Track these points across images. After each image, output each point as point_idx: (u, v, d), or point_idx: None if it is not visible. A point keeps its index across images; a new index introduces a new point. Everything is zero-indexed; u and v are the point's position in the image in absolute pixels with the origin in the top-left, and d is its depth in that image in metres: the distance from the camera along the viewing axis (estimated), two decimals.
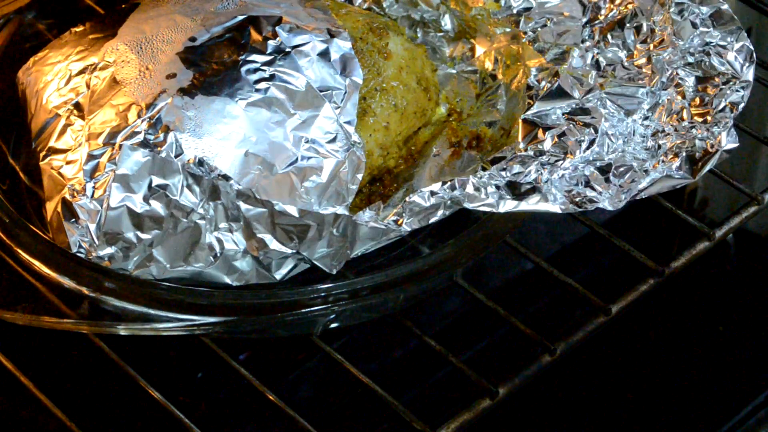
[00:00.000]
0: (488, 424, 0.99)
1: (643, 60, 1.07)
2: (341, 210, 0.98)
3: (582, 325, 1.01)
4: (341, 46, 1.04)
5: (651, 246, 1.07)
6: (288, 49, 1.03)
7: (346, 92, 1.03)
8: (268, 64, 1.02)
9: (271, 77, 1.01)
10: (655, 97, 1.04)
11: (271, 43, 1.03)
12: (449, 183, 0.97)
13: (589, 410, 1.19)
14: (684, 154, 1.01)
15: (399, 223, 0.97)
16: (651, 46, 1.08)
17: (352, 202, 1.01)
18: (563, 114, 1.04)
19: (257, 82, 1.01)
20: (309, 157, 1.00)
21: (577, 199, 0.98)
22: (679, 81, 1.05)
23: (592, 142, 1.01)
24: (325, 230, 0.97)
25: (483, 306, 1.02)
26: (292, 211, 0.96)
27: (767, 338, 1.25)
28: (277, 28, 1.04)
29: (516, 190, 0.98)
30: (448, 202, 0.98)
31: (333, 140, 1.01)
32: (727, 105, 1.04)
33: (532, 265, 1.05)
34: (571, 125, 1.03)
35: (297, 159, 1.00)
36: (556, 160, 1.00)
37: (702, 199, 1.46)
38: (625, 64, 1.08)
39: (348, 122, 1.02)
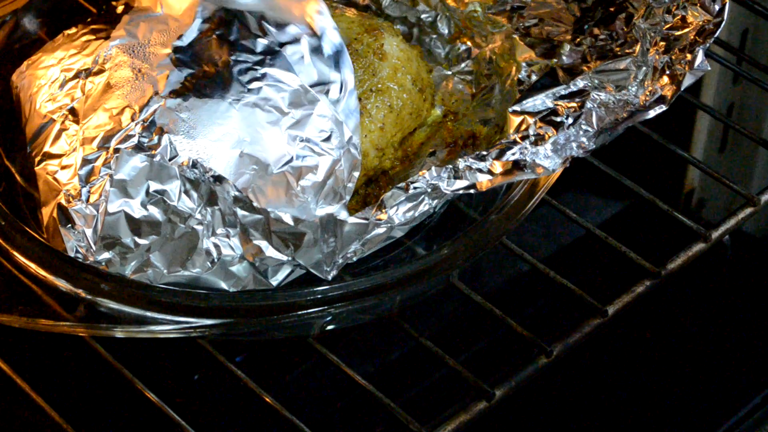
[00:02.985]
0: (484, 426, 0.99)
1: (628, 41, 1.07)
2: (338, 209, 0.98)
3: (578, 327, 1.01)
4: (332, 39, 1.04)
5: (647, 247, 1.07)
6: (277, 48, 1.02)
7: (341, 87, 1.02)
8: (260, 63, 1.02)
9: (263, 77, 1.01)
10: (642, 66, 1.04)
11: (261, 41, 1.03)
12: (428, 171, 0.97)
13: (585, 412, 1.19)
14: (659, 90, 1.01)
15: (383, 212, 0.97)
16: (634, 29, 1.08)
17: (349, 202, 1.01)
18: (552, 101, 1.04)
19: (249, 82, 1.01)
20: (304, 156, 1.00)
21: (560, 154, 0.98)
22: (658, 41, 1.05)
23: (578, 117, 1.01)
24: (320, 237, 0.96)
25: (479, 308, 1.02)
26: (288, 219, 0.96)
27: (763, 339, 1.26)
28: (263, 23, 1.03)
29: (495, 168, 0.98)
30: (429, 189, 0.97)
31: (328, 138, 1.01)
32: (698, 40, 1.04)
33: (528, 267, 1.05)
34: (559, 107, 1.03)
35: (292, 158, 0.99)
36: (539, 138, 1.00)
37: (698, 200, 1.47)
38: (615, 52, 1.08)
39: (343, 119, 1.01)
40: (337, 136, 1.01)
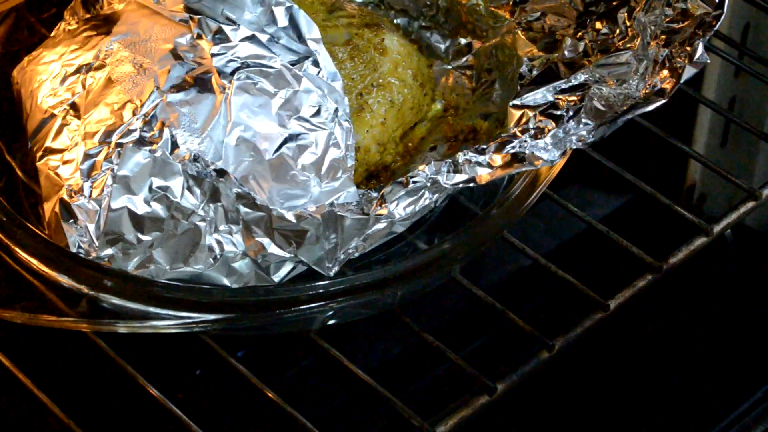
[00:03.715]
0: (486, 420, 0.99)
1: (630, 35, 1.07)
2: (344, 182, 0.98)
3: (580, 321, 1.01)
4: (282, 4, 1.03)
5: (649, 242, 1.07)
6: (250, 33, 1.02)
7: (314, 59, 1.02)
8: (240, 52, 1.01)
9: (246, 65, 1.01)
10: (643, 60, 1.04)
11: (232, 31, 1.02)
12: (428, 165, 0.97)
13: (587, 406, 1.20)
14: (659, 83, 1.01)
15: (383, 207, 0.97)
16: (635, 23, 1.08)
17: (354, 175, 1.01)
18: (553, 95, 1.04)
19: (234, 72, 1.00)
20: (299, 134, 1.00)
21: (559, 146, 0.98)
22: (659, 34, 1.05)
23: (578, 111, 1.01)
24: (322, 234, 0.96)
25: (481, 302, 1.02)
26: (290, 216, 0.96)
27: (764, 333, 1.26)
28: (225, 11, 1.03)
29: (494, 162, 0.98)
30: (428, 183, 0.97)
31: (317, 113, 1.01)
32: (698, 33, 1.03)
33: (530, 261, 1.05)
34: (559, 101, 1.03)
35: (287, 138, 0.99)
36: (539, 132, 1.00)
37: (700, 194, 1.47)
38: (616, 46, 1.07)
39: (327, 91, 1.01)
40: (326, 109, 1.01)
